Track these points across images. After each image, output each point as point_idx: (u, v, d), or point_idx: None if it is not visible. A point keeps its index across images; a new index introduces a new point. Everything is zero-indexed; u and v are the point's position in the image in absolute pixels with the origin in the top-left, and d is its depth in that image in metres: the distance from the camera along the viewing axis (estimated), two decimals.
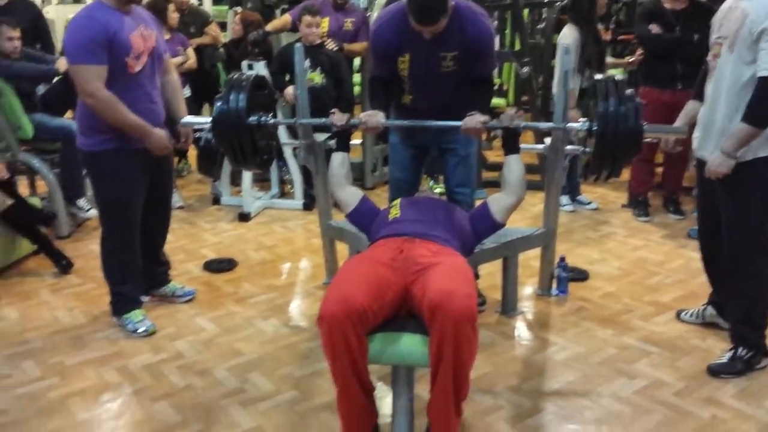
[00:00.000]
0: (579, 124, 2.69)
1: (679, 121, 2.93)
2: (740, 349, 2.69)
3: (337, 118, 2.72)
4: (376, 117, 2.73)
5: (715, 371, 2.68)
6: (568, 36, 4.26)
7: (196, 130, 3.89)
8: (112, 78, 2.71)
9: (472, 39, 2.70)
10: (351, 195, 2.66)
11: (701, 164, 2.72)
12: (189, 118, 3.13)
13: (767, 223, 2.64)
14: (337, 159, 2.72)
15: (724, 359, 2.71)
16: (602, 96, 2.53)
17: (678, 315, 3.14)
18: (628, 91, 2.54)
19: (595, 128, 2.55)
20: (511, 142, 2.63)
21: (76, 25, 2.73)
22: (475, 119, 2.65)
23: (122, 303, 3.06)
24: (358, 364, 2.03)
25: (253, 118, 2.72)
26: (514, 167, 2.58)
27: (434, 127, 2.84)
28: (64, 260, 3.70)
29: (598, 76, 2.77)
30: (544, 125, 3.06)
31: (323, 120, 2.83)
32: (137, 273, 3.10)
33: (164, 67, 3.06)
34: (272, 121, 2.86)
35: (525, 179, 2.59)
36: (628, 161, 2.66)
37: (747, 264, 2.65)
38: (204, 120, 2.95)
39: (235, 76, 2.83)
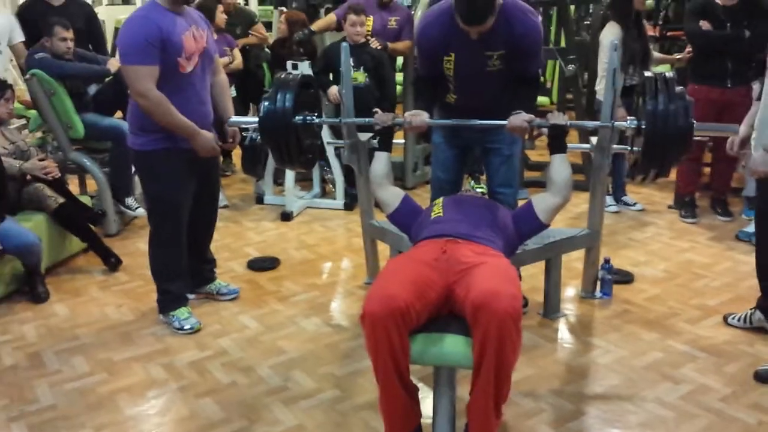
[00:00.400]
0: (627, 122, 2.65)
1: (744, 124, 2.86)
2: None
3: (382, 117, 2.73)
4: (420, 116, 2.73)
5: (763, 377, 2.62)
6: (608, 34, 4.21)
7: (242, 130, 3.95)
8: (164, 78, 2.77)
9: (519, 38, 2.65)
10: (393, 195, 2.67)
11: None
12: (236, 118, 3.18)
13: None
14: (380, 159, 2.73)
15: None
16: (651, 93, 2.48)
17: (725, 319, 3.07)
18: (678, 89, 2.48)
19: (643, 126, 2.50)
20: (557, 140, 2.60)
21: (130, 25, 2.78)
22: (520, 118, 2.63)
23: (169, 301, 3.13)
24: (400, 364, 2.04)
25: (298, 118, 2.75)
26: (560, 167, 2.56)
27: (479, 126, 2.83)
28: (113, 258, 3.79)
29: (647, 74, 2.72)
30: (591, 124, 3.02)
31: (367, 120, 2.85)
32: (184, 271, 3.17)
33: (214, 67, 3.11)
34: (318, 120, 2.88)
35: (572, 180, 2.57)
36: (678, 161, 2.61)
37: None
38: (251, 120, 3.00)
39: (282, 76, 2.86)
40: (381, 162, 2.73)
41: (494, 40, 2.64)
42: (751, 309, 3.01)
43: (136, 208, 4.27)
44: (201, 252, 3.34)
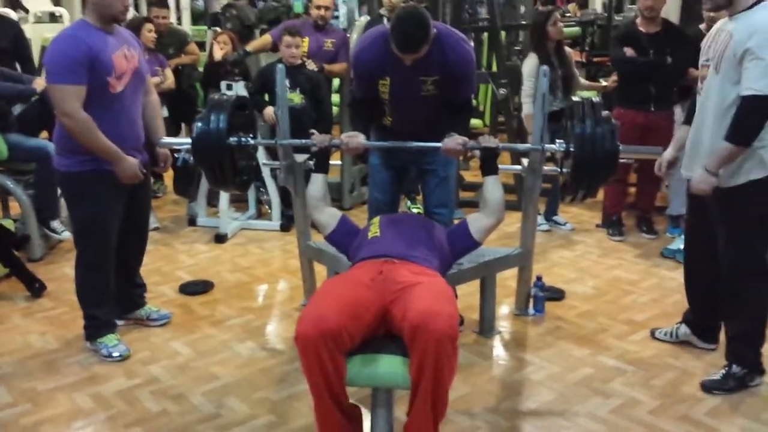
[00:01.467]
0: (556, 145, 2.73)
1: (670, 148, 2.97)
2: (735, 367, 2.71)
3: (318, 138, 2.74)
4: (357, 138, 2.76)
5: (708, 387, 2.71)
6: (527, 64, 4.45)
7: (173, 151, 3.87)
8: (93, 98, 2.70)
9: (452, 64, 2.73)
10: (330, 216, 2.67)
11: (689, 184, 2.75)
12: (167, 139, 3.12)
13: (764, 243, 2.68)
14: (317, 181, 2.73)
15: (718, 376, 2.73)
16: (579, 117, 2.58)
17: (652, 333, 3.16)
18: (605, 113, 2.59)
19: (572, 149, 2.59)
20: (489, 163, 2.67)
21: (58, 43, 2.72)
22: (454, 140, 2.69)
23: (96, 327, 3.01)
24: (334, 386, 2.03)
25: (233, 139, 2.71)
26: (492, 188, 2.62)
27: (414, 148, 2.87)
28: (37, 283, 3.64)
29: (575, 98, 2.81)
30: (522, 147, 3.10)
31: (304, 141, 2.84)
32: (112, 296, 3.07)
33: (146, 87, 3.05)
34: (253, 141, 2.85)
35: (504, 200, 2.63)
36: (605, 182, 2.72)
37: (746, 285, 2.67)
38: (183, 141, 2.94)
39: (216, 97, 2.82)
40: (317, 184, 2.73)
41: (428, 65, 2.70)
42: (677, 323, 3.11)
43: (62, 231, 4.12)
44: (130, 276, 3.25)
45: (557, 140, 2.77)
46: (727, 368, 2.73)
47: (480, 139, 2.70)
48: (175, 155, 4.16)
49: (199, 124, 2.69)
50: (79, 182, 2.85)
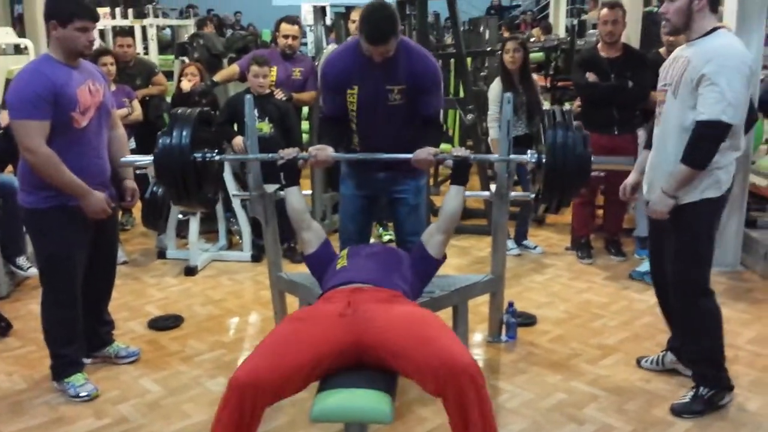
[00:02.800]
0: (528, 155, 2.76)
1: (633, 172, 3.01)
2: (701, 389, 2.73)
3: (285, 151, 2.74)
4: (325, 150, 2.78)
5: (678, 411, 2.73)
6: (492, 89, 4.63)
7: (141, 185, 3.83)
8: (58, 132, 2.68)
9: (419, 73, 2.80)
10: (316, 235, 2.69)
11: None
12: (130, 158, 3.05)
13: (708, 260, 2.73)
14: (293, 194, 2.73)
15: (687, 399, 2.75)
16: (550, 125, 2.60)
17: (638, 362, 3.13)
18: (575, 122, 2.63)
19: (544, 159, 2.61)
20: (459, 172, 2.70)
21: (21, 78, 2.70)
22: (425, 151, 2.74)
23: (63, 366, 2.95)
24: None
25: (197, 154, 2.66)
26: (453, 198, 2.67)
27: (384, 159, 2.88)
28: (3, 322, 3.56)
29: (546, 106, 2.87)
30: (493, 157, 3.12)
31: (271, 155, 2.81)
32: (79, 334, 3.01)
33: (111, 121, 3.02)
34: (218, 157, 2.80)
35: (459, 214, 2.69)
36: (577, 190, 2.75)
37: (693, 304, 2.71)
38: (146, 158, 2.85)
39: (179, 111, 2.76)
40: (294, 197, 2.73)
41: (395, 73, 2.77)
42: (662, 351, 3.09)
43: (28, 268, 4.03)
44: (98, 313, 3.19)
45: (528, 150, 2.81)
46: (694, 390, 2.75)
47: (452, 150, 2.77)
48: (144, 187, 4.11)
49: (162, 139, 2.61)
50: (44, 219, 2.81)
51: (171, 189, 2.74)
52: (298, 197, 2.74)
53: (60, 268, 2.87)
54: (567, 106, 5.17)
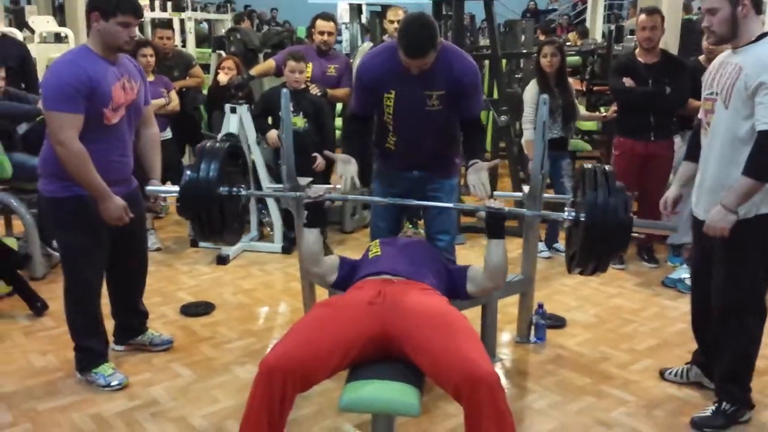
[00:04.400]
0: (565, 213, 2.53)
1: (674, 185, 2.91)
2: (724, 404, 2.67)
3: (312, 191, 2.58)
4: (348, 171, 2.70)
5: (699, 425, 2.66)
6: (528, 91, 4.58)
7: (176, 173, 3.86)
8: (87, 126, 2.63)
9: (458, 77, 2.72)
10: (329, 267, 2.61)
11: (697, 222, 2.67)
12: (154, 187, 2.97)
13: (764, 281, 2.61)
14: (310, 236, 2.56)
15: (708, 413, 2.69)
16: (591, 185, 2.38)
17: (662, 374, 3.06)
18: (618, 184, 2.39)
19: (582, 219, 2.37)
20: (494, 226, 2.48)
21: (58, 69, 2.65)
22: (485, 190, 2.64)
23: (89, 359, 2.93)
24: (273, 422, 2.02)
25: (223, 189, 2.54)
26: (495, 253, 2.47)
27: (417, 206, 2.87)
28: (39, 302, 3.64)
29: (587, 166, 2.61)
30: (528, 212, 2.87)
31: (298, 194, 2.71)
32: (101, 327, 2.99)
33: (145, 119, 2.98)
34: (245, 192, 2.68)
35: (506, 268, 2.51)
36: (616, 255, 2.50)
37: (739, 323, 2.61)
38: (172, 189, 2.76)
39: (209, 144, 2.65)
40: (312, 239, 2.56)
41: (434, 79, 2.70)
42: (687, 363, 3.03)
43: None
44: (132, 304, 3.20)
45: (566, 209, 2.58)
46: (717, 404, 2.69)
47: (487, 201, 2.52)
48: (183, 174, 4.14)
49: (188, 173, 2.51)
50: (63, 208, 2.76)
51: (194, 224, 2.64)
52: (317, 239, 2.57)
53: (79, 259, 2.83)
54: (602, 111, 5.18)
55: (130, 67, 2.87)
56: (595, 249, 2.38)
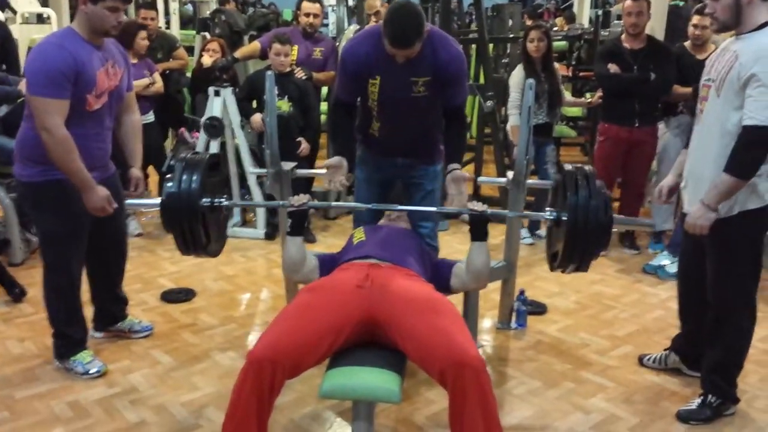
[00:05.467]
0: (546, 213, 2.53)
1: (672, 173, 2.82)
2: (710, 397, 2.67)
3: (295, 199, 2.51)
4: (339, 171, 2.72)
5: (684, 417, 2.66)
6: (514, 75, 4.56)
7: (159, 159, 3.81)
8: (68, 112, 2.57)
9: (444, 64, 2.68)
10: (310, 270, 2.56)
11: (685, 212, 2.63)
12: (134, 200, 2.92)
13: (754, 277, 2.59)
14: (293, 245, 2.50)
15: (694, 405, 2.69)
16: (572, 187, 2.36)
17: (640, 360, 3.08)
18: (598, 183, 2.37)
19: (564, 218, 2.36)
20: (477, 228, 2.47)
21: (44, 52, 2.55)
22: (459, 201, 2.66)
23: (68, 346, 2.90)
24: (262, 411, 2.02)
25: (205, 200, 2.48)
26: (477, 255, 2.46)
27: (401, 210, 2.82)
28: (17, 288, 3.61)
29: (568, 167, 2.59)
30: (510, 213, 2.87)
31: (281, 203, 2.68)
32: (79, 314, 2.95)
33: (127, 104, 2.93)
34: (227, 203, 2.62)
35: (488, 269, 2.52)
36: (597, 254, 2.45)
37: (730, 318, 2.60)
38: (152, 202, 2.67)
39: (189, 156, 2.58)
40: (295, 248, 2.51)
41: (420, 65, 2.65)
42: (665, 350, 3.04)
43: None
44: (111, 290, 3.17)
45: (547, 209, 2.59)
46: (702, 397, 2.69)
47: (469, 204, 2.50)
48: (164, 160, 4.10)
49: (170, 185, 2.45)
50: (40, 193, 2.70)
51: (178, 238, 2.54)
52: (300, 249, 2.51)
53: (58, 245, 2.79)
54: (588, 97, 5.17)
55: (115, 53, 2.81)
56: (576, 250, 2.36)
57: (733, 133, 2.37)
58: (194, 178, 2.44)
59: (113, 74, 2.73)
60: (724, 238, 2.49)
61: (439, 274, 2.58)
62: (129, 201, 2.88)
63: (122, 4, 2.62)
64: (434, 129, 2.96)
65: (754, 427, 2.65)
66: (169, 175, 2.50)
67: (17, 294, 3.60)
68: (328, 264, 2.56)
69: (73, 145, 2.57)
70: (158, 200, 2.52)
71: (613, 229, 2.37)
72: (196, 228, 2.46)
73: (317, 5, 4.91)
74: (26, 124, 2.68)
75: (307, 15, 4.87)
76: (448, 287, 2.57)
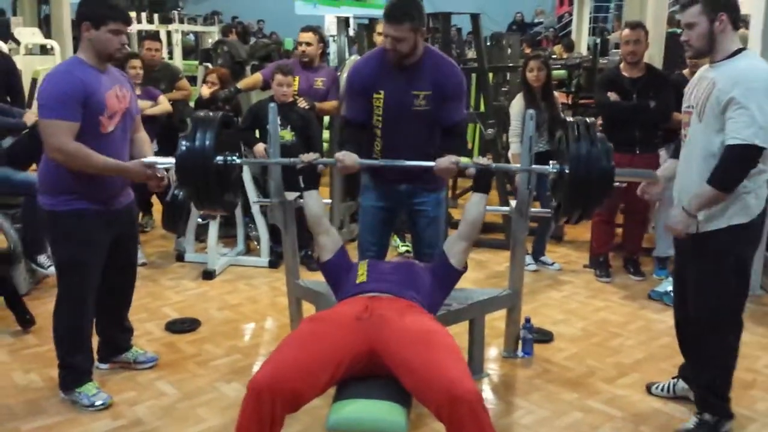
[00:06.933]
0: (550, 166, 2.76)
1: (658, 171, 2.99)
2: (706, 415, 2.68)
3: (306, 156, 2.79)
4: (351, 156, 2.81)
5: None
6: (514, 105, 4.61)
7: (163, 191, 3.80)
8: (84, 136, 2.66)
9: (444, 79, 2.88)
10: (333, 241, 2.72)
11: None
12: (151, 159, 2.98)
13: (739, 294, 2.64)
14: (312, 197, 2.79)
15: (690, 425, 2.70)
16: (574, 137, 2.58)
17: (648, 389, 3.06)
18: (599, 135, 2.60)
19: (567, 170, 2.58)
20: (481, 181, 2.73)
21: (52, 79, 2.68)
22: (448, 159, 2.76)
23: (73, 376, 2.90)
24: None
25: (219, 158, 2.68)
26: (476, 205, 2.71)
27: (408, 167, 2.90)
28: (28, 315, 3.60)
29: (569, 119, 2.84)
30: (514, 167, 3.10)
31: (291, 160, 2.86)
32: (88, 344, 2.96)
33: (135, 126, 3.02)
34: (239, 160, 2.85)
35: (481, 222, 2.72)
36: (600, 203, 2.70)
37: (716, 334, 2.63)
38: (167, 160, 2.83)
39: (202, 114, 2.78)
40: (313, 200, 2.79)
41: (421, 79, 2.86)
42: (673, 378, 3.02)
43: (49, 266, 4.05)
44: (118, 320, 3.18)
45: (550, 161, 2.80)
46: (699, 416, 2.70)
47: (474, 159, 2.80)
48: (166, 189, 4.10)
49: (184, 143, 2.62)
50: (61, 222, 2.77)
51: (192, 191, 2.76)
52: (317, 200, 2.79)
53: (75, 273, 2.83)
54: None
55: (119, 76, 2.92)
56: (580, 196, 2.60)
57: (716, 154, 2.49)
58: (208, 136, 2.61)
59: (122, 96, 2.82)
60: (709, 252, 2.58)
61: (439, 266, 2.67)
62: (146, 160, 2.89)
63: (124, 26, 2.74)
64: (437, 151, 3.02)
65: None
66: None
67: (27, 321, 3.58)
68: (345, 259, 2.71)
69: (86, 150, 2.66)
70: (173, 159, 2.70)
71: (616, 182, 2.59)
72: (210, 184, 2.66)
73: (310, 34, 4.95)
74: (45, 155, 2.77)
75: (300, 44, 4.92)
76: (455, 271, 2.65)
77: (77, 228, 2.77)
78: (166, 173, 2.94)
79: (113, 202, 2.86)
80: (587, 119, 2.71)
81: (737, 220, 2.52)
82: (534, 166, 2.87)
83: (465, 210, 2.72)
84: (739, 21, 2.56)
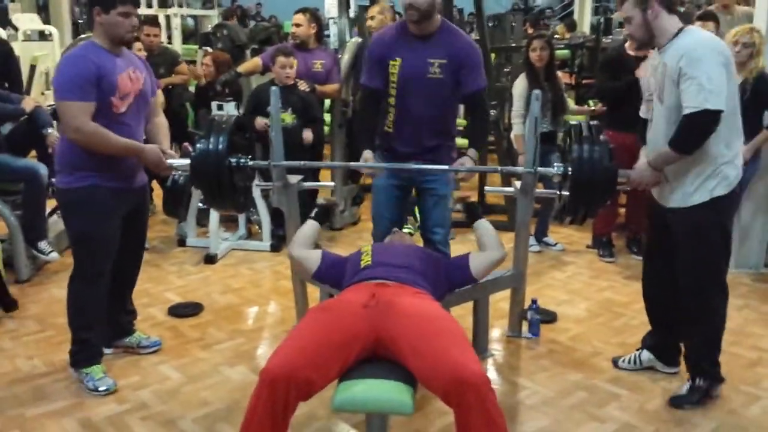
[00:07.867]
0: (554, 168, 2.80)
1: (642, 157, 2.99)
2: (698, 380, 2.78)
3: (329, 199, 2.95)
4: (368, 155, 3.02)
5: (677, 403, 2.77)
6: (517, 85, 4.58)
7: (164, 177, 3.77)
8: (97, 116, 2.71)
9: (459, 50, 2.99)
10: (312, 254, 2.72)
11: (652, 206, 2.86)
12: (168, 160, 3.03)
13: (725, 260, 2.75)
14: (311, 228, 2.85)
15: (683, 391, 2.81)
16: (577, 139, 2.66)
17: (615, 363, 3.12)
18: (602, 137, 2.66)
19: (570, 172, 2.65)
20: (472, 213, 2.90)
21: (66, 63, 2.77)
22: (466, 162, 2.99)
23: (84, 353, 2.92)
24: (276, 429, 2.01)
25: (231, 160, 2.76)
26: (485, 230, 2.80)
27: (417, 170, 3.06)
28: (7, 297, 3.59)
29: (573, 122, 2.87)
30: (519, 169, 3.06)
31: (301, 163, 2.95)
32: (101, 319, 2.99)
33: (151, 109, 3.07)
34: (250, 163, 2.90)
35: (497, 236, 2.77)
36: (604, 202, 2.79)
37: (705, 302, 2.73)
38: (182, 162, 2.92)
39: (217, 118, 2.86)
40: (311, 228, 2.85)
41: (438, 47, 2.98)
42: (637, 350, 3.10)
43: (50, 252, 4.05)
44: (123, 300, 3.19)
45: (555, 163, 2.82)
46: (691, 382, 2.80)
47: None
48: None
49: (199, 145, 2.74)
50: (75, 196, 2.82)
51: (206, 193, 2.88)
52: (314, 230, 2.86)
53: (88, 245, 2.87)
54: (591, 104, 5.17)
55: (134, 59, 2.96)
56: (582, 198, 2.67)
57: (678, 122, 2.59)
58: (222, 138, 2.73)
59: (135, 78, 2.86)
60: (695, 225, 2.66)
61: (456, 271, 2.66)
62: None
63: (132, 8, 2.79)
64: (445, 125, 3.15)
65: None
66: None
67: (8, 304, 3.57)
68: (328, 261, 2.67)
69: (103, 130, 2.72)
70: (188, 161, 2.81)
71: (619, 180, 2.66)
72: (223, 184, 2.75)
73: (300, 15, 4.91)
74: (62, 136, 2.84)
75: (292, 25, 4.90)
76: (471, 277, 2.66)
77: (91, 200, 2.82)
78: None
79: (128, 181, 2.91)
80: (592, 123, 2.81)
81: (719, 191, 2.61)
82: (539, 168, 2.88)
83: (478, 240, 2.80)
84: (673, 5, 2.64)
